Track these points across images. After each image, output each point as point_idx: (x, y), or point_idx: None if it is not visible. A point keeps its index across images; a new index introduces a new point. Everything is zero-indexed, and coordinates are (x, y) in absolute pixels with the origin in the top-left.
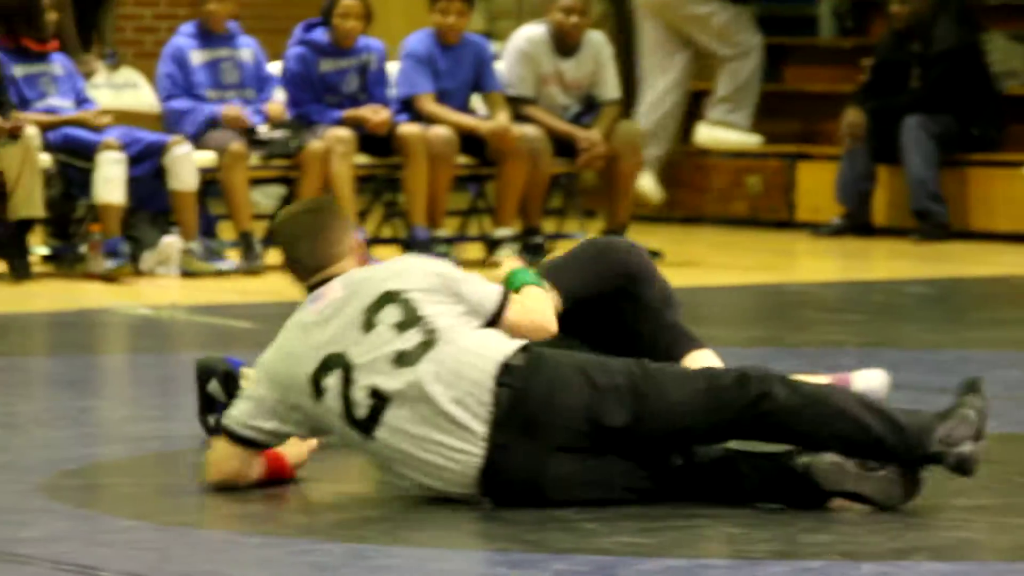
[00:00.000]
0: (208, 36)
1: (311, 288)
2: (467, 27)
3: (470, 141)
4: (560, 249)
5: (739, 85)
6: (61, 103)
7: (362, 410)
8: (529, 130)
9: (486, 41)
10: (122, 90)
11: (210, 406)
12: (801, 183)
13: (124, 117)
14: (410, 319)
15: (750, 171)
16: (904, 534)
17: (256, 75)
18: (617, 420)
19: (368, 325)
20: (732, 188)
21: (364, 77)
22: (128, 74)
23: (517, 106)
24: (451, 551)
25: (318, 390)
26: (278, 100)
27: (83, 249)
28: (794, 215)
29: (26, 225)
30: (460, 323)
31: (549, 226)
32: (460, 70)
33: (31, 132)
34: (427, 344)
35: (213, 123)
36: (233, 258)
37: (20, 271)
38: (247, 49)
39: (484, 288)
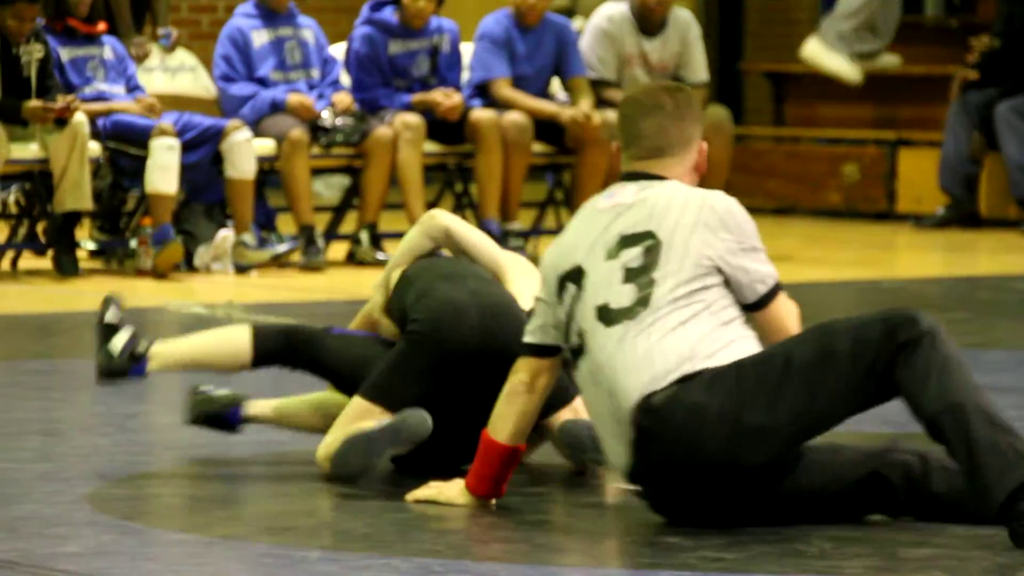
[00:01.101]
0: (269, 15)
1: (626, 177)
2: (548, 6)
3: (547, 127)
4: None
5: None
6: (111, 89)
7: (585, 322)
8: (611, 115)
9: (568, 22)
10: (177, 74)
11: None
12: (902, 171)
13: (178, 102)
14: (640, 272)
15: (847, 158)
16: (1011, 549)
17: (319, 56)
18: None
19: (611, 254)
20: (827, 177)
21: (435, 60)
22: (183, 56)
23: (598, 90)
24: (524, 567)
25: (560, 292)
26: (345, 88)
27: (133, 244)
28: (894, 206)
29: (73, 218)
30: (684, 304)
31: None
32: (540, 54)
33: (80, 119)
34: (631, 311)
35: (275, 109)
36: (295, 257)
37: (67, 267)
38: (308, 29)
39: (765, 269)
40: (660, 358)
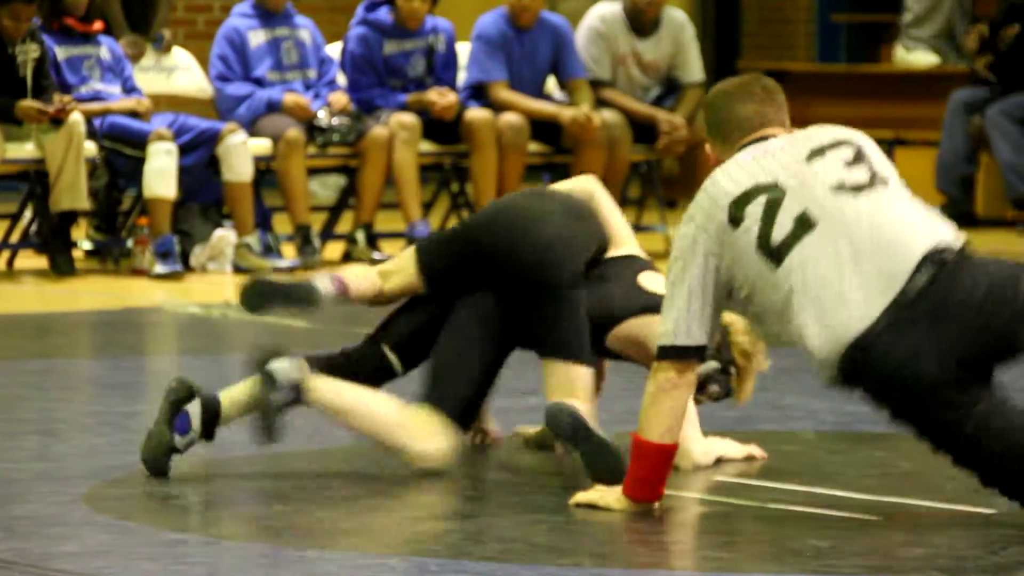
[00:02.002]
0: (266, 15)
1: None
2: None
3: (544, 127)
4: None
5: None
6: (107, 89)
7: (780, 235)
8: (608, 115)
9: (565, 22)
10: (172, 73)
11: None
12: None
13: (174, 102)
14: (859, 159)
15: None
16: (1007, 547)
17: (316, 56)
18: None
19: (814, 156)
20: None
21: (431, 60)
22: (179, 56)
23: (594, 90)
24: (522, 566)
25: (736, 219)
26: (341, 88)
27: (130, 244)
28: None
29: (70, 218)
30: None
31: (627, 218)
32: (536, 55)
33: (76, 118)
34: (872, 184)
35: (271, 108)
36: (290, 255)
37: (63, 267)
38: (305, 29)
39: None
40: (930, 222)
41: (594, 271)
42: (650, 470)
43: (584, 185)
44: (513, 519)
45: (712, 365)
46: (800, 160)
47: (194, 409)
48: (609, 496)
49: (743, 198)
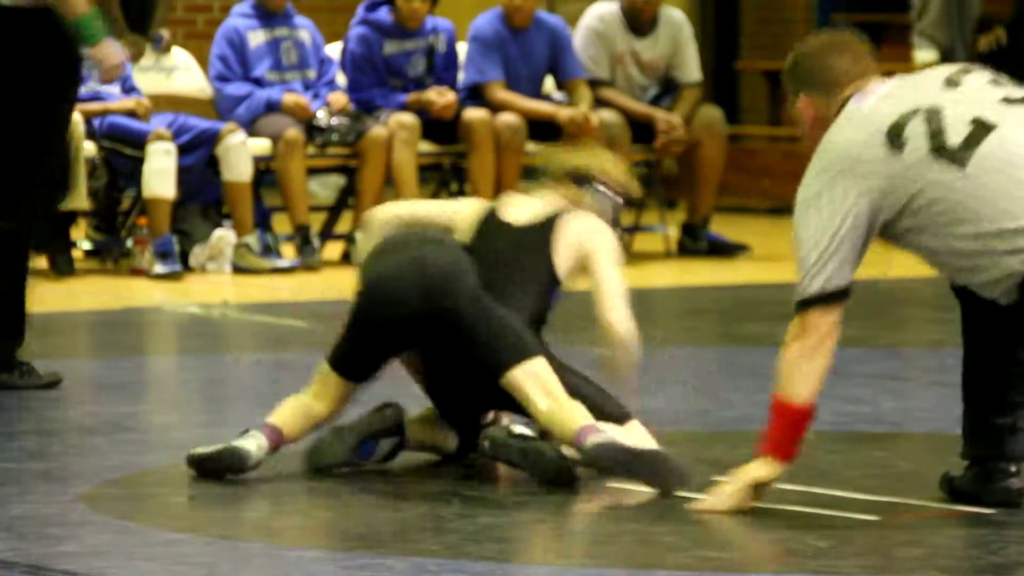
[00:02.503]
0: (266, 15)
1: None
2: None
3: (542, 127)
4: (636, 243)
5: None
6: (106, 88)
7: (957, 137)
8: (606, 115)
9: (562, 22)
10: (172, 74)
11: None
12: None
13: (174, 102)
14: (997, 81)
15: None
16: (1006, 547)
17: (315, 57)
18: None
19: (953, 83)
20: None
21: (431, 60)
22: (178, 56)
23: (592, 89)
24: (520, 566)
25: (898, 143)
26: (340, 88)
27: (129, 243)
28: None
29: (69, 218)
30: None
31: (626, 218)
32: (533, 55)
33: (74, 118)
34: None
35: (270, 108)
36: (290, 255)
37: (62, 267)
38: (304, 30)
39: None
40: None
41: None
42: (798, 431)
43: (377, 221)
44: (512, 519)
45: None
46: (940, 86)
47: (387, 445)
48: (727, 492)
49: (898, 123)
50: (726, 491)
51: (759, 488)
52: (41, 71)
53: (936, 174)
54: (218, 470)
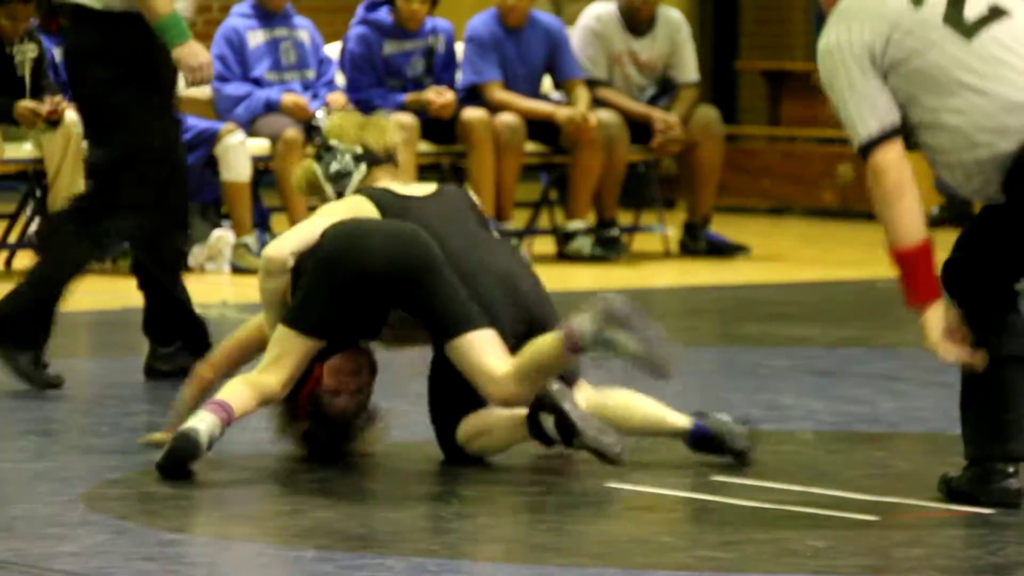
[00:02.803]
0: (265, 16)
1: None
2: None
3: (541, 127)
4: (636, 243)
5: None
6: None
7: (972, 13)
8: (604, 115)
9: (559, 22)
10: None
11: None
12: None
13: None
14: None
15: (842, 158)
16: (1005, 548)
17: (314, 57)
18: None
19: None
20: (822, 177)
21: (430, 60)
22: None
23: (590, 89)
24: (519, 566)
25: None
26: (339, 88)
27: (127, 244)
28: None
29: None
30: None
31: (625, 218)
32: (530, 54)
33: (73, 118)
34: None
35: (269, 108)
36: None
37: None
38: (303, 30)
39: None
40: None
41: None
42: (928, 266)
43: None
44: (511, 519)
45: None
46: None
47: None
48: (929, 327)
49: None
50: (943, 354)
51: (952, 330)
52: (139, 76)
53: (941, 38)
54: (179, 465)
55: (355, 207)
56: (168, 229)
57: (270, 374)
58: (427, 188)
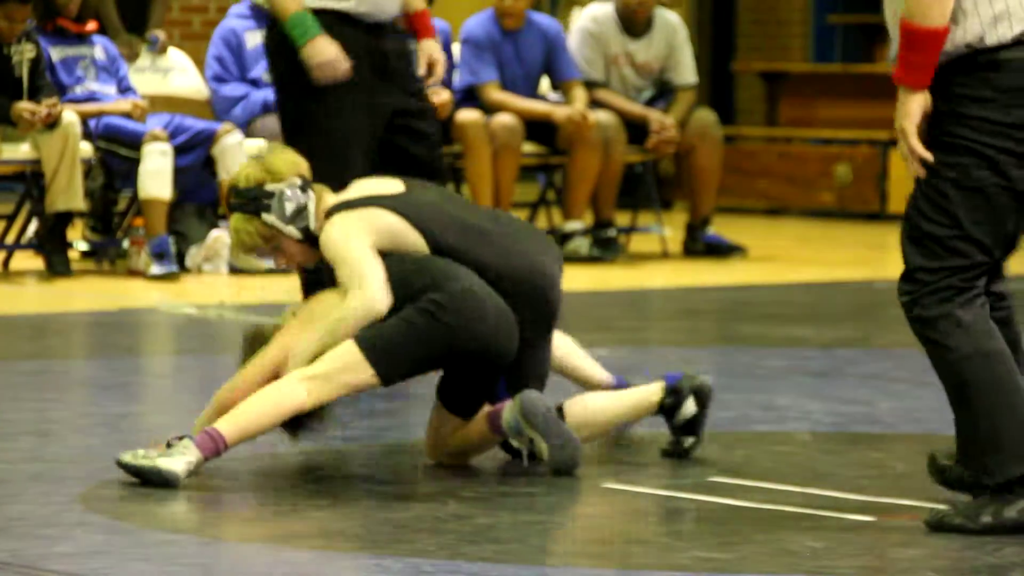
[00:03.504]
0: (262, 17)
1: None
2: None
3: (539, 128)
4: (633, 243)
5: None
6: (102, 89)
7: None
8: (602, 116)
9: (556, 24)
10: (168, 75)
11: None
12: (894, 172)
13: (170, 103)
14: None
15: (839, 159)
16: (1002, 548)
17: None
18: None
19: None
20: (819, 177)
21: None
22: (175, 57)
23: (587, 90)
24: (516, 567)
25: None
26: None
27: (125, 244)
28: (886, 206)
29: (65, 218)
30: None
31: (623, 219)
32: (527, 55)
33: (70, 119)
34: None
35: (267, 110)
36: None
37: (58, 267)
38: None
39: None
40: None
41: None
42: (932, 56)
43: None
44: (509, 519)
45: None
46: None
47: None
48: (910, 112)
49: None
50: (904, 150)
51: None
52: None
53: None
54: (146, 481)
55: (383, 220)
56: None
57: (314, 385)
58: (392, 181)
